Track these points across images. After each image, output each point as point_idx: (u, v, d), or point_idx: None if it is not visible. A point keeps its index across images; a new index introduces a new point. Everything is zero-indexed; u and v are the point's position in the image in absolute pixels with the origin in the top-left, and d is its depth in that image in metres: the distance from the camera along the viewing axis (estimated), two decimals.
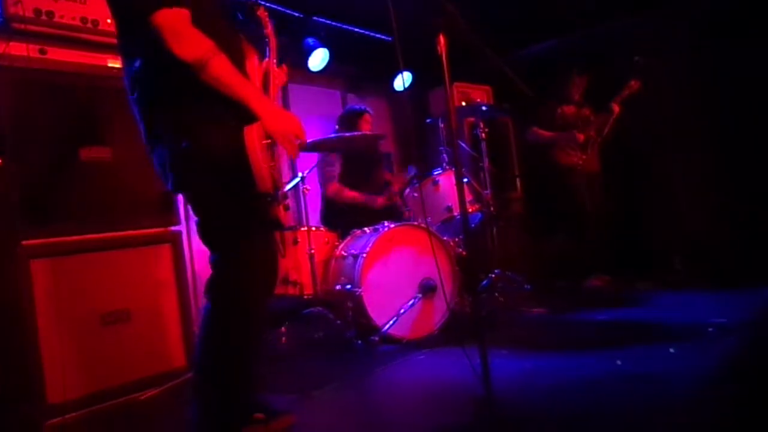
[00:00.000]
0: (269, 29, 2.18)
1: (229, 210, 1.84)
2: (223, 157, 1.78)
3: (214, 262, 1.87)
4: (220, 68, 1.75)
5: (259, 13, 2.16)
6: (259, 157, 1.77)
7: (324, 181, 4.34)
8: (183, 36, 1.70)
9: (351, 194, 4.28)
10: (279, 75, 2.21)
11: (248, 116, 1.82)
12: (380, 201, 4.24)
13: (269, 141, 1.88)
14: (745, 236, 4.35)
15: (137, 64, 1.83)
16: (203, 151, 1.78)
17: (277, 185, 1.90)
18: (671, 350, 2.58)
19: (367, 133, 4.26)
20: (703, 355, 2.48)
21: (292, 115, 1.94)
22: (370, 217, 3.93)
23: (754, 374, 1.84)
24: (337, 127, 4.52)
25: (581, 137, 4.70)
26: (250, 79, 1.94)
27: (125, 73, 1.89)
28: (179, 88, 1.79)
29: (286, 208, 1.98)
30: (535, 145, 5.00)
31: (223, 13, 1.98)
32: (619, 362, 2.50)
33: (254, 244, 1.87)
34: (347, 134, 3.94)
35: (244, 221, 1.85)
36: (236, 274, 1.85)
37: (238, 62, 1.90)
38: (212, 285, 1.86)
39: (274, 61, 2.21)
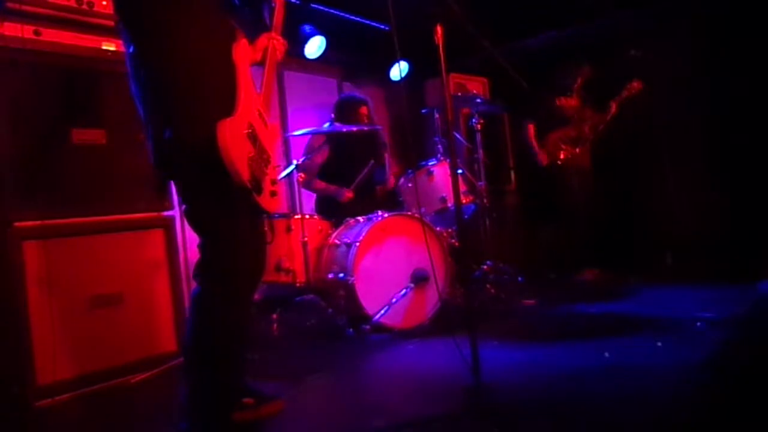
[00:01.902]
0: None
1: (211, 197, 1.85)
2: (201, 149, 1.78)
3: (201, 246, 1.89)
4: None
5: None
6: (231, 153, 1.75)
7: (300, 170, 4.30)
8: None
9: (321, 185, 4.24)
10: (278, 48, 2.20)
11: (229, 109, 1.82)
12: (348, 195, 4.16)
13: (250, 131, 1.87)
14: (736, 232, 4.38)
15: (131, 49, 1.85)
16: (184, 142, 1.80)
17: (258, 175, 1.88)
18: (658, 344, 2.61)
19: (361, 124, 4.23)
20: (689, 349, 2.50)
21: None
22: (361, 207, 3.92)
23: (740, 369, 1.87)
24: (333, 115, 4.49)
25: (544, 162, 4.77)
26: (238, 64, 1.93)
27: (126, 57, 1.90)
28: (164, 78, 1.81)
29: (273, 194, 1.97)
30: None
31: None
32: (607, 354, 2.53)
33: (238, 228, 1.88)
34: (344, 127, 3.91)
35: (227, 207, 1.86)
36: (221, 257, 1.86)
37: (225, 45, 1.90)
38: (200, 268, 1.88)
39: (278, 31, 2.20)
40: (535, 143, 4.89)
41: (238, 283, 1.90)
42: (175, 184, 1.97)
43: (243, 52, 1.97)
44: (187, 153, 1.80)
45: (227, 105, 1.83)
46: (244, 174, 1.79)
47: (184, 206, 1.92)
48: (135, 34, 1.82)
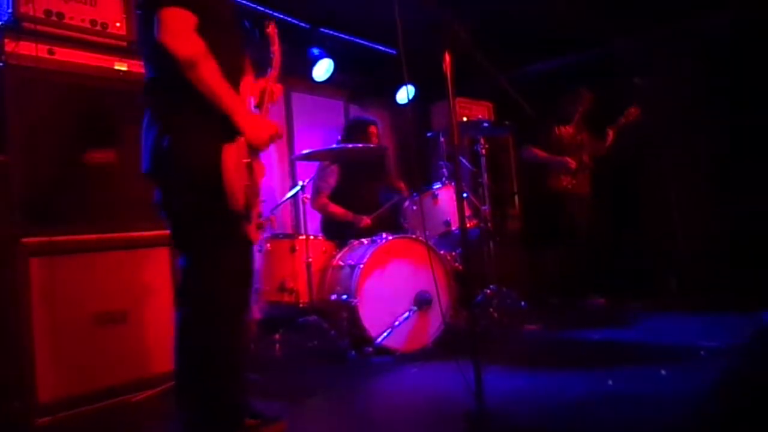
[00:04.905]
0: (276, 47, 2.23)
1: (201, 218, 1.87)
2: (198, 168, 1.83)
3: (185, 268, 1.91)
4: (208, 72, 1.84)
5: (268, 30, 2.21)
6: (233, 177, 1.82)
7: (314, 193, 4.31)
8: (179, 34, 1.80)
9: (337, 210, 4.25)
10: (275, 93, 2.25)
11: (232, 133, 1.88)
12: (366, 221, 4.17)
13: (249, 161, 1.92)
14: (741, 259, 4.37)
15: (151, 70, 1.95)
16: (182, 156, 1.84)
17: (250, 204, 1.92)
18: (662, 372, 2.59)
19: (369, 144, 4.26)
20: (694, 378, 2.49)
21: (269, 121, 2.05)
22: (369, 230, 3.93)
23: (743, 399, 1.86)
24: (340, 137, 4.52)
25: (573, 164, 4.72)
26: (242, 95, 1.99)
27: (146, 73, 2.01)
28: (177, 95, 1.86)
29: (260, 227, 1.99)
30: (529, 164, 5.04)
31: (236, 24, 2.04)
32: (610, 382, 2.51)
33: (226, 251, 1.90)
34: (349, 145, 3.94)
35: (216, 230, 1.88)
36: (209, 278, 1.88)
37: (236, 78, 1.98)
38: (184, 291, 1.89)
39: (275, 77, 2.26)
40: (543, 155, 4.86)
41: (227, 305, 1.91)
42: (162, 199, 1.96)
43: (248, 86, 2.04)
44: (183, 167, 1.84)
45: (230, 130, 1.88)
46: (241, 200, 1.83)
47: (169, 222, 1.94)
48: (159, 54, 1.86)
